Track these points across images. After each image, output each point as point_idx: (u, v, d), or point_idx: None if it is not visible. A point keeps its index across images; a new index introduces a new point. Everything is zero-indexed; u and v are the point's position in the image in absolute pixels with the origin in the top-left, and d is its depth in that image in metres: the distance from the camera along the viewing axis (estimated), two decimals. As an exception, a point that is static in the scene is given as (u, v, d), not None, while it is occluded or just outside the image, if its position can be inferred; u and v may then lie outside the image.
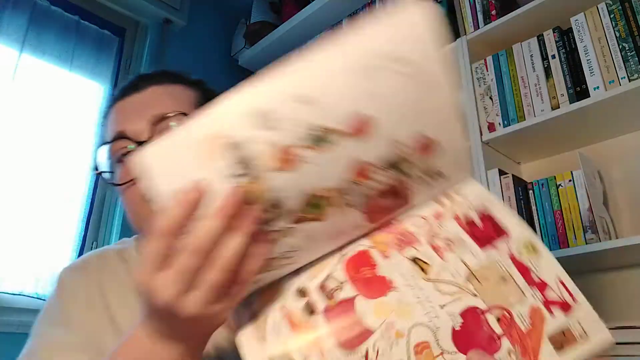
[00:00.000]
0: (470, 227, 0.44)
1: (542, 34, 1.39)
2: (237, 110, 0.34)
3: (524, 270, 0.42)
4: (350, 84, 0.35)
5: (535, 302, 0.40)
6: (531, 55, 1.40)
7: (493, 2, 1.54)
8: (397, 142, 0.37)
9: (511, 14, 1.45)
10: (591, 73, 1.25)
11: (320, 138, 0.35)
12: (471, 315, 0.40)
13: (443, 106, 0.38)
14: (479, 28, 1.53)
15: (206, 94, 0.72)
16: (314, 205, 0.38)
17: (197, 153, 0.35)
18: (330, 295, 0.41)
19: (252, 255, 0.37)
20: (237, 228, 0.36)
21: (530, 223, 1.27)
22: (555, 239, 1.22)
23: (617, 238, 1.22)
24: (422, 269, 0.41)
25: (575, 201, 1.22)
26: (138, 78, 0.69)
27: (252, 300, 0.42)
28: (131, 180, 0.61)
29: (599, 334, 0.40)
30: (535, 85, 1.36)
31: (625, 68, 1.20)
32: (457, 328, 0.39)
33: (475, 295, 0.40)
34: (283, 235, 0.38)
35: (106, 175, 0.66)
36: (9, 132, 1.78)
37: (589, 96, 1.24)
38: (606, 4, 1.27)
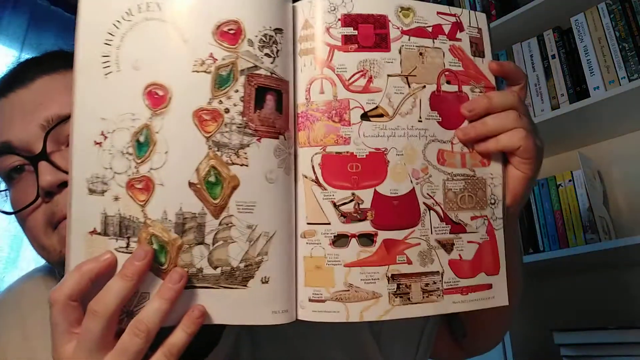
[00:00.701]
0: None
1: (542, 34, 1.39)
2: None
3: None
4: None
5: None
6: (531, 55, 1.40)
7: (493, 2, 1.54)
8: None
9: (511, 14, 1.45)
10: (591, 73, 1.25)
11: None
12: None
13: None
14: (479, 28, 1.53)
15: None
16: None
17: None
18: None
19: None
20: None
21: (530, 223, 1.27)
22: (555, 239, 1.22)
23: (617, 238, 1.22)
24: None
25: (575, 201, 1.22)
26: (23, 65, 0.54)
27: None
28: (29, 204, 0.47)
29: None
30: (535, 85, 1.36)
31: (625, 68, 1.20)
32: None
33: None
34: None
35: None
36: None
37: (589, 96, 1.24)
38: (606, 4, 1.27)
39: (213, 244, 0.37)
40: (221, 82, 0.38)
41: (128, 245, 0.36)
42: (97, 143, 0.37)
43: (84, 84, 0.38)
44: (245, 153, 0.37)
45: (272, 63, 0.39)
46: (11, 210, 0.51)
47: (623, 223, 1.30)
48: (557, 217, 1.24)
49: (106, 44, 0.38)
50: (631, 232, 1.27)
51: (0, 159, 0.48)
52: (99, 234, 0.36)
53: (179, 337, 0.35)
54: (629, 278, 1.27)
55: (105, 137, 0.37)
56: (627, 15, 1.23)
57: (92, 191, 0.36)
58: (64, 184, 0.45)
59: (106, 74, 0.37)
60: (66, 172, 0.44)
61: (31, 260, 1.58)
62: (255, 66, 0.39)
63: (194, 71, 0.38)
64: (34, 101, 0.48)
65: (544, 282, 1.40)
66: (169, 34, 0.38)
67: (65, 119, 0.46)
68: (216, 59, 0.38)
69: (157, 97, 0.37)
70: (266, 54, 0.39)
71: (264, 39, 0.39)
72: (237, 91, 0.38)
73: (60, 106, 0.47)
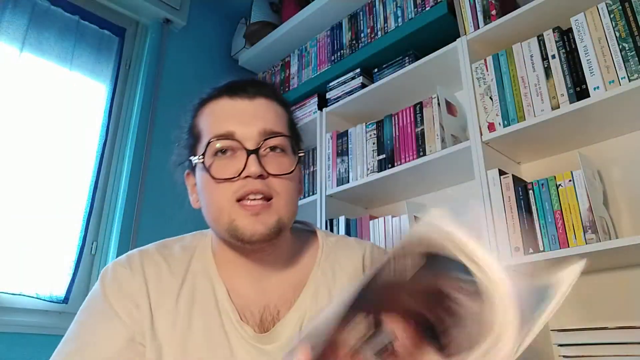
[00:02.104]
0: None
1: (542, 34, 1.39)
2: None
3: None
4: None
5: None
6: (531, 55, 1.40)
7: (493, 2, 1.54)
8: None
9: (511, 14, 1.45)
10: (591, 73, 1.25)
11: None
12: None
13: None
14: (479, 28, 1.53)
15: (291, 116, 0.78)
16: None
17: None
18: None
19: None
20: None
21: (530, 223, 1.27)
22: (555, 239, 1.22)
23: (617, 238, 1.22)
24: None
25: (575, 201, 1.22)
26: (246, 83, 0.75)
27: None
28: (230, 178, 0.67)
29: None
30: (535, 85, 1.36)
31: (625, 68, 1.20)
32: None
33: None
34: None
35: (204, 163, 0.70)
36: (9, 132, 1.78)
37: (589, 96, 1.24)
38: (606, 4, 1.27)
39: None
40: None
41: None
42: None
43: None
44: None
45: None
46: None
47: (623, 223, 1.30)
48: (557, 217, 1.24)
49: None
50: (631, 232, 1.27)
51: (222, 140, 0.69)
52: None
53: None
54: (629, 278, 1.27)
55: None
56: (627, 15, 1.23)
57: None
58: (259, 176, 0.67)
59: None
60: (265, 170, 0.67)
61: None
62: None
63: None
64: (256, 113, 0.71)
65: (543, 282, 1.40)
66: None
67: (277, 134, 0.70)
68: None
69: None
70: None
71: None
72: None
73: (273, 125, 0.70)
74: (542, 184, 1.29)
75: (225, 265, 0.74)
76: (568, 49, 1.33)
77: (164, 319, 0.68)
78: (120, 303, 0.68)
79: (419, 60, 1.67)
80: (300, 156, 0.74)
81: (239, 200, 0.67)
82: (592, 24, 1.28)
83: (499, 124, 1.40)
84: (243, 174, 0.67)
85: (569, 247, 1.19)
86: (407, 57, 1.77)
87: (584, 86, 1.27)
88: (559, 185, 1.26)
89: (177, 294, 0.70)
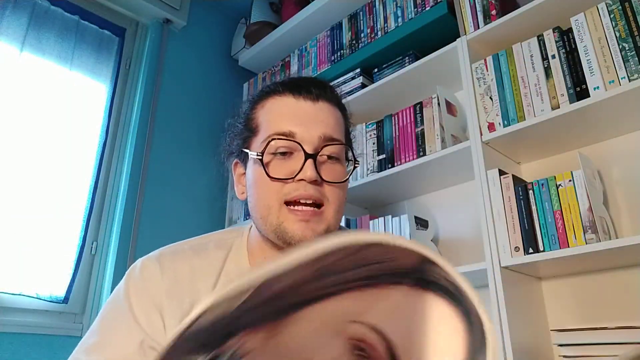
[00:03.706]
0: None
1: (542, 34, 1.39)
2: None
3: None
4: None
5: None
6: (531, 55, 1.40)
7: (493, 2, 1.54)
8: None
9: (511, 14, 1.45)
10: (591, 73, 1.25)
11: None
12: None
13: None
14: (479, 28, 1.53)
15: (348, 122, 0.79)
16: None
17: None
18: None
19: None
20: None
21: (530, 223, 1.27)
22: (555, 239, 1.22)
23: (617, 238, 1.22)
24: None
25: (575, 201, 1.22)
26: (310, 83, 0.74)
27: None
28: (285, 179, 0.67)
29: None
30: (535, 85, 1.36)
31: (625, 68, 1.20)
32: None
33: None
34: None
35: (262, 160, 0.69)
36: (9, 132, 1.78)
37: (589, 96, 1.24)
38: (606, 4, 1.27)
39: None
40: None
41: None
42: None
43: None
44: None
45: None
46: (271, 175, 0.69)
47: (623, 223, 1.30)
48: (557, 217, 1.24)
49: None
50: (631, 232, 1.27)
51: (282, 140, 0.68)
52: None
53: None
54: (629, 278, 1.26)
55: None
56: (627, 15, 1.23)
57: None
58: (313, 181, 0.66)
59: None
60: (320, 176, 0.67)
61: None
62: None
63: None
64: (317, 117, 0.71)
65: (543, 282, 1.40)
66: None
67: (335, 141, 0.70)
68: None
69: None
70: None
71: None
72: None
73: (333, 131, 0.70)
74: (542, 184, 1.29)
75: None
76: (568, 49, 1.33)
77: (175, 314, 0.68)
78: (140, 305, 0.68)
79: (419, 60, 1.67)
80: (355, 166, 0.74)
81: (287, 202, 0.67)
82: (592, 24, 1.28)
83: (499, 124, 1.40)
84: (298, 177, 0.67)
85: (569, 247, 1.19)
86: (407, 57, 1.77)
87: (584, 86, 1.27)
88: (559, 185, 1.26)
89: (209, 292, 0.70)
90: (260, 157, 0.69)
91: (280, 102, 0.72)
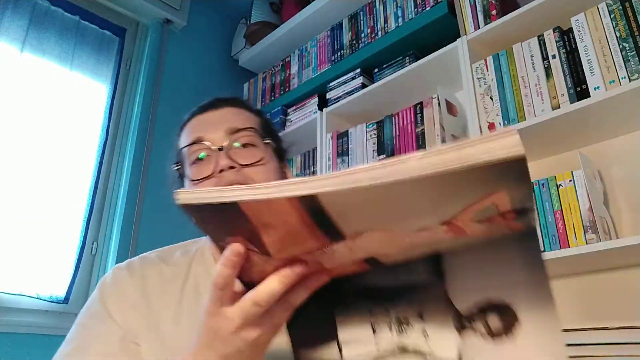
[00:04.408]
0: None
1: (543, 34, 1.39)
2: None
3: None
4: None
5: None
6: (531, 55, 1.40)
7: (493, 2, 1.54)
8: None
9: (511, 14, 1.45)
10: (591, 73, 1.25)
11: None
12: None
13: None
14: (479, 28, 1.53)
15: (267, 122, 0.82)
16: None
17: None
18: None
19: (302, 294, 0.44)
20: (298, 286, 0.43)
21: (531, 223, 1.27)
22: (555, 239, 1.22)
23: (617, 238, 1.22)
24: None
25: (576, 201, 1.22)
26: (216, 100, 0.82)
27: None
28: (206, 177, 0.71)
29: None
30: (536, 85, 1.36)
31: (626, 68, 1.20)
32: None
33: None
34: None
35: (185, 172, 0.76)
36: (10, 132, 1.78)
37: (590, 96, 1.24)
38: (606, 3, 1.27)
39: None
40: None
41: None
42: None
43: None
44: None
45: None
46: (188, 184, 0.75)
47: (623, 223, 1.30)
48: (557, 217, 1.24)
49: None
50: (631, 232, 1.26)
51: (194, 146, 0.74)
52: None
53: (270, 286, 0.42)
54: (629, 278, 1.26)
55: None
56: (627, 15, 1.23)
57: None
58: (231, 168, 0.70)
59: None
60: (235, 162, 0.70)
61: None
62: None
63: None
64: (221, 118, 0.77)
65: (544, 282, 1.40)
66: None
67: (240, 130, 0.74)
68: None
69: None
70: None
71: None
72: None
73: (238, 124, 0.75)
74: (542, 184, 1.29)
75: None
76: (568, 49, 1.33)
77: (167, 317, 0.70)
78: (115, 304, 0.70)
79: (419, 60, 1.67)
80: (274, 147, 0.78)
81: None
82: (593, 24, 1.28)
83: (500, 124, 1.40)
84: (216, 170, 0.71)
85: (569, 247, 1.19)
86: (407, 57, 1.77)
87: (584, 86, 1.27)
88: (559, 185, 1.26)
89: (180, 294, 0.73)
90: (177, 168, 0.76)
91: (190, 123, 0.80)
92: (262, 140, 0.76)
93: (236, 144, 0.74)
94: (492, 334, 0.41)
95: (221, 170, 0.70)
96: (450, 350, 0.42)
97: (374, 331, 0.46)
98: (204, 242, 0.82)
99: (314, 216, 0.36)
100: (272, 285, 0.42)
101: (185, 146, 0.75)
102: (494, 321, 0.41)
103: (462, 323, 0.42)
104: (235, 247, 0.41)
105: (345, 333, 0.47)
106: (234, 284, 0.44)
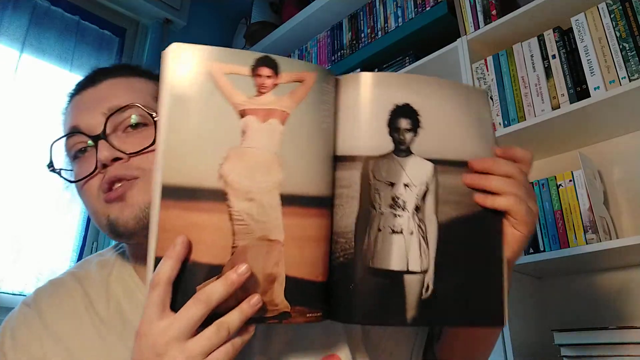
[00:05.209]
0: None
1: (543, 34, 1.39)
2: None
3: None
4: None
5: None
6: (531, 55, 1.40)
7: (493, 2, 1.54)
8: None
9: (511, 14, 1.45)
10: (592, 73, 1.25)
11: None
12: None
13: None
14: (479, 28, 1.53)
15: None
16: None
17: None
18: None
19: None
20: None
21: (531, 223, 1.27)
22: (556, 239, 1.22)
23: (617, 238, 1.22)
24: None
25: (576, 201, 1.22)
26: (95, 72, 0.65)
27: None
28: (88, 175, 0.59)
29: None
30: (536, 85, 1.36)
31: (626, 68, 1.20)
32: None
33: None
34: None
35: (64, 173, 0.64)
36: (10, 132, 1.78)
37: (590, 96, 1.24)
38: (606, 4, 1.27)
39: None
40: None
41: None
42: None
43: None
44: None
45: None
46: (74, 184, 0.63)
47: (623, 223, 1.30)
48: (557, 217, 1.24)
49: None
50: (631, 232, 1.27)
51: (69, 139, 0.61)
52: None
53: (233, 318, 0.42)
54: (629, 278, 1.27)
55: None
56: (627, 15, 1.23)
57: None
58: (116, 159, 0.57)
59: None
60: (120, 151, 0.57)
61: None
62: None
63: None
64: (99, 96, 0.60)
65: (544, 282, 1.40)
66: None
67: (122, 108, 0.58)
68: None
69: None
70: None
71: None
72: None
73: (120, 100, 0.59)
74: (542, 184, 1.29)
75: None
76: (568, 49, 1.33)
77: (87, 346, 0.57)
78: (16, 357, 0.57)
79: (419, 60, 1.67)
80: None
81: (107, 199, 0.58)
82: (593, 24, 1.28)
83: (500, 123, 1.40)
84: (99, 165, 0.57)
85: (569, 247, 1.19)
86: (407, 57, 1.77)
87: (584, 86, 1.27)
88: (559, 185, 1.26)
89: (101, 324, 0.59)
90: (55, 170, 0.63)
91: (68, 109, 0.64)
92: (152, 117, 0.59)
93: (122, 128, 0.59)
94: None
95: (105, 165, 0.57)
96: None
97: None
98: (124, 254, 0.67)
99: None
100: (217, 288, 0.41)
101: (56, 140, 0.62)
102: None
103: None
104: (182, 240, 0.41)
105: None
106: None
